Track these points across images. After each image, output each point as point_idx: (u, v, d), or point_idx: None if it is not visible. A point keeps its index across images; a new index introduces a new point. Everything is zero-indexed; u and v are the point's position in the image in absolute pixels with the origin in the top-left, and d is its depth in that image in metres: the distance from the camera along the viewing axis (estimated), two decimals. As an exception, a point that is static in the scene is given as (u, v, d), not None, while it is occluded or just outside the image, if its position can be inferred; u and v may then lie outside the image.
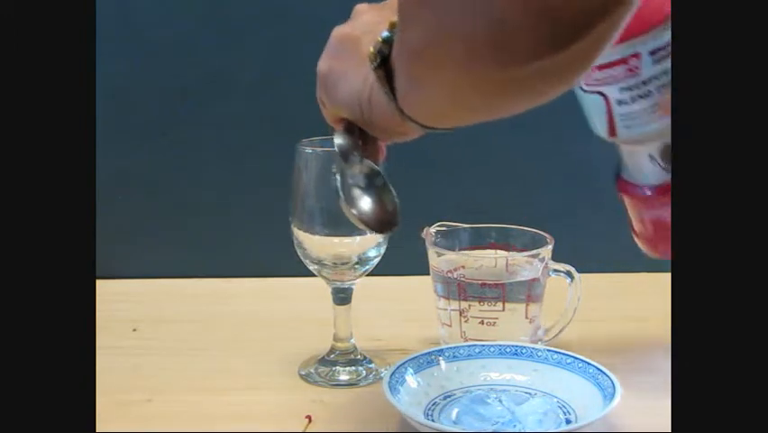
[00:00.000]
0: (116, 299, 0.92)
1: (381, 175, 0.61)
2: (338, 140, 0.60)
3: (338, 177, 0.60)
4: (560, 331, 0.76)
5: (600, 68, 0.61)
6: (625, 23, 0.41)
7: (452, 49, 0.42)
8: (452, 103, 0.47)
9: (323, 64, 0.59)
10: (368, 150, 0.60)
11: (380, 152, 0.63)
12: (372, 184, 0.61)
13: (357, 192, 0.60)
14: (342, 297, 0.75)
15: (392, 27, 0.50)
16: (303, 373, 0.75)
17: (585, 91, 0.63)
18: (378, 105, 0.54)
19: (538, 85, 0.43)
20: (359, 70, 0.55)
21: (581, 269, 0.76)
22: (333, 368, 0.75)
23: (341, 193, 0.59)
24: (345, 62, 0.57)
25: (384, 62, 0.51)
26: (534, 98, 0.45)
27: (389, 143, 0.64)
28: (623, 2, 0.39)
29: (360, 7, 0.59)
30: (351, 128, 0.60)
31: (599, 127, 0.64)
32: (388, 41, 0.50)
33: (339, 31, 0.59)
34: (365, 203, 0.60)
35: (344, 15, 0.60)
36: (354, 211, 0.59)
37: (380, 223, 0.60)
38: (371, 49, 0.51)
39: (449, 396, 0.69)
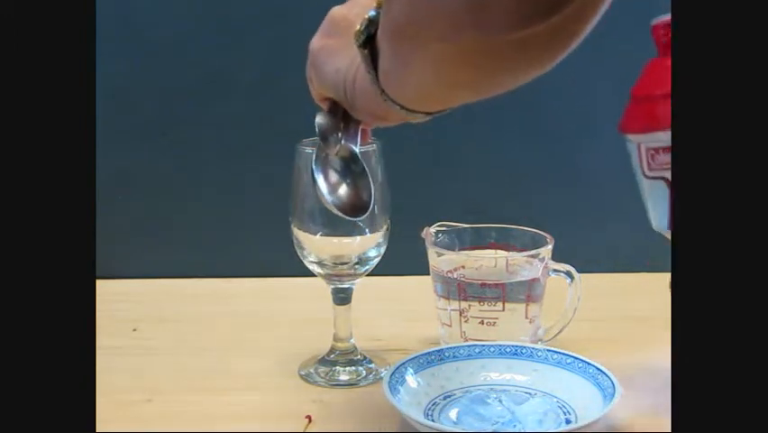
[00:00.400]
0: (116, 299, 0.92)
1: (360, 161, 0.60)
2: (319, 119, 0.60)
3: (314, 156, 0.60)
4: (560, 331, 0.76)
5: (665, 150, 0.59)
6: (607, 1, 0.41)
7: (433, 20, 0.42)
8: (435, 80, 0.47)
9: (315, 42, 0.60)
10: (350, 133, 0.60)
11: (365, 135, 0.63)
12: (349, 169, 0.61)
13: (333, 175, 0.60)
14: (342, 297, 0.75)
15: (379, 6, 0.50)
16: (303, 373, 0.75)
17: (647, 177, 0.62)
18: (361, 86, 0.54)
19: (520, 59, 0.43)
20: (348, 52, 0.55)
21: (581, 269, 0.76)
22: (333, 368, 0.75)
23: (315, 174, 0.59)
24: (336, 42, 0.58)
25: (370, 41, 0.51)
26: (516, 75, 0.45)
27: (372, 127, 0.64)
28: None
29: None
30: (334, 109, 0.60)
31: (659, 216, 0.62)
32: (374, 21, 0.50)
33: (335, 11, 0.59)
34: (340, 187, 0.60)
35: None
36: (327, 195, 0.59)
37: (353, 208, 0.59)
38: (358, 27, 0.51)
39: (449, 396, 0.69)
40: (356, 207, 0.60)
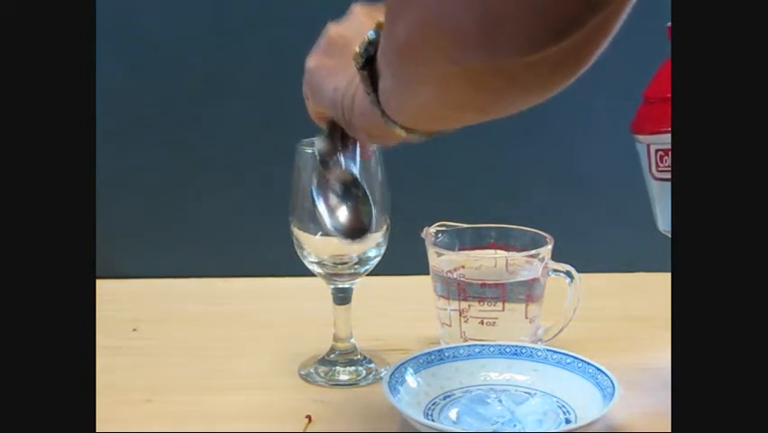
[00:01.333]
0: (116, 299, 0.92)
1: (361, 185, 0.60)
2: (318, 143, 0.60)
3: (314, 180, 0.60)
4: (560, 331, 0.76)
5: None
6: (620, 21, 0.40)
7: (441, 41, 0.41)
8: (437, 101, 0.46)
9: (311, 60, 0.59)
10: (348, 151, 0.60)
11: (363, 151, 0.62)
12: (350, 192, 0.60)
13: (333, 198, 0.60)
14: (342, 297, 0.75)
15: (379, 27, 0.49)
16: (303, 373, 0.75)
17: (655, 178, 0.62)
18: (360, 107, 0.53)
19: (528, 82, 0.42)
20: (345, 71, 0.54)
21: (581, 269, 0.76)
22: (333, 368, 0.75)
23: (315, 199, 0.59)
24: (333, 61, 0.57)
25: (369, 63, 0.50)
26: (523, 98, 0.44)
27: (370, 147, 0.63)
28: None
29: (356, 7, 0.59)
30: (333, 132, 0.59)
31: (665, 218, 0.62)
32: (373, 42, 0.49)
33: (332, 29, 0.58)
34: (340, 211, 0.60)
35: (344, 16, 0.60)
36: (328, 219, 0.59)
37: (353, 232, 0.59)
38: (357, 49, 0.50)
39: (449, 396, 0.69)
40: (356, 230, 0.60)
